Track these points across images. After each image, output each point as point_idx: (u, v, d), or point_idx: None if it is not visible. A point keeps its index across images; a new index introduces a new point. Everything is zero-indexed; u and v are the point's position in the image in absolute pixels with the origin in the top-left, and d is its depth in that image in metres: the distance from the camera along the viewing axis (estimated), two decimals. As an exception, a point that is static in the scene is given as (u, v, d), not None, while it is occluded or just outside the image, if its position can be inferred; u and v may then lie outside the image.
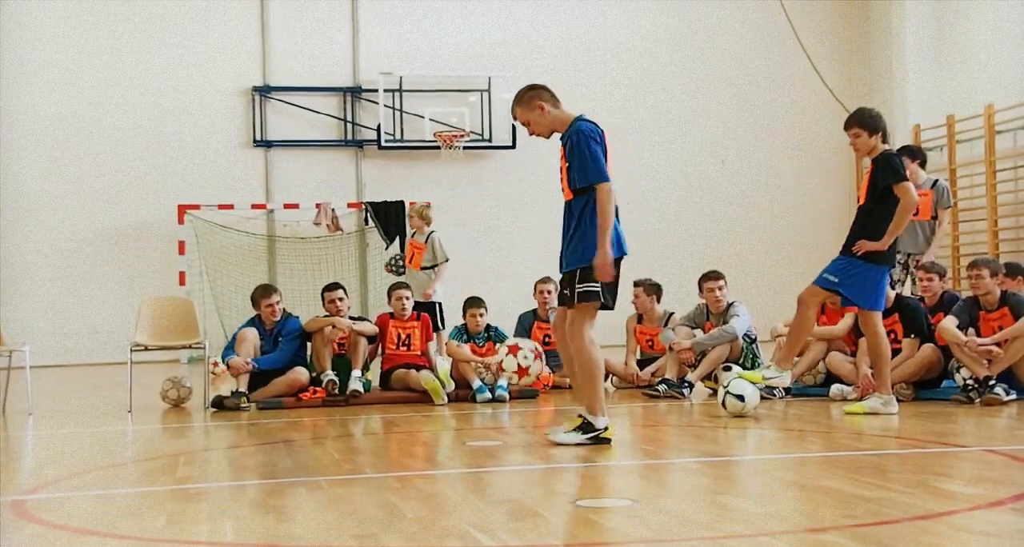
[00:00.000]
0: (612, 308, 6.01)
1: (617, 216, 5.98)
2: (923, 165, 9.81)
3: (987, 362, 7.45)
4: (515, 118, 6.32)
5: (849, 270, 6.98)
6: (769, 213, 17.45)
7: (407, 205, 16.03)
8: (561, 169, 6.05)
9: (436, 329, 10.24)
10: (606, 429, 5.89)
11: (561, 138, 6.12)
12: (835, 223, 16.72)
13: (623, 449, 6.36)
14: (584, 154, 5.95)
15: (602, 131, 6.07)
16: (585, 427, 5.90)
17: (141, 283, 15.32)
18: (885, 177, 6.97)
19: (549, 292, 9.65)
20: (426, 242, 11.38)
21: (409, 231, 11.96)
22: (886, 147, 7.15)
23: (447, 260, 11.33)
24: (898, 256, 9.54)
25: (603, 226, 5.83)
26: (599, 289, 5.85)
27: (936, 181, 9.85)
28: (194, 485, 5.13)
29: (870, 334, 7.16)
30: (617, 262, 5.93)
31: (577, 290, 5.87)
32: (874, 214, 7.00)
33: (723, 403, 7.17)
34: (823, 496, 4.45)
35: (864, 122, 7.15)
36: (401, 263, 11.70)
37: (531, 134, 6.34)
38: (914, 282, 9.25)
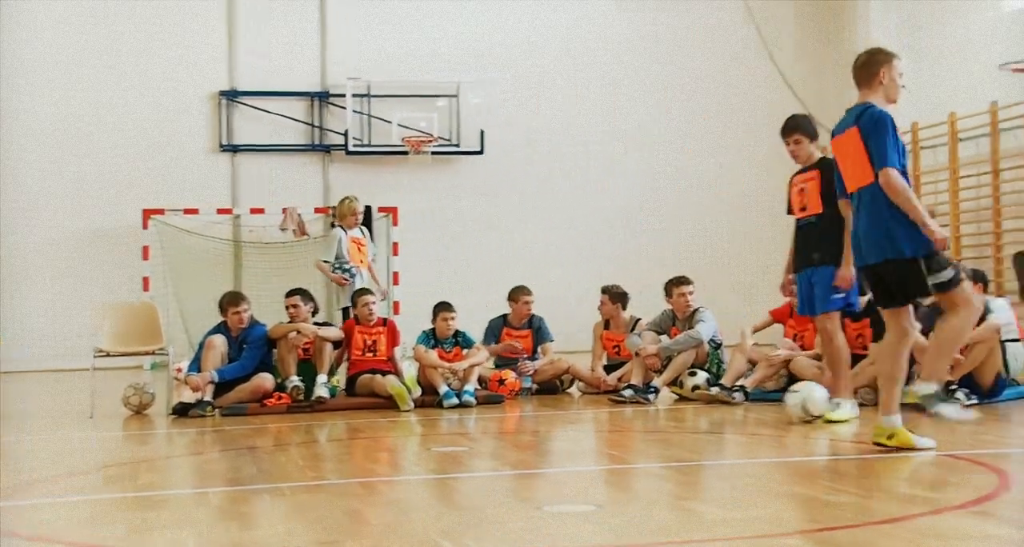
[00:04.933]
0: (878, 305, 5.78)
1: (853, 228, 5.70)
2: None
3: (949, 367, 7.49)
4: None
5: (829, 280, 6.93)
6: (734, 222, 17.52)
7: (374, 210, 16.00)
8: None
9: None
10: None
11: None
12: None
13: (588, 455, 6.37)
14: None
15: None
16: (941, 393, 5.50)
17: (104, 288, 15.17)
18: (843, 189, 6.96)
19: (528, 303, 9.67)
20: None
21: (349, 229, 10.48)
22: (819, 153, 7.17)
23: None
24: None
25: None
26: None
27: None
28: (156, 492, 5.09)
29: (834, 337, 7.18)
30: (860, 270, 5.78)
31: (933, 281, 5.39)
32: (834, 220, 6.90)
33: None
34: (786, 501, 4.47)
35: (805, 129, 7.15)
36: (349, 268, 10.28)
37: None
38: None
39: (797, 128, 7.18)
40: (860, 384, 7.84)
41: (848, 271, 6.77)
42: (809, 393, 6.92)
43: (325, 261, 10.24)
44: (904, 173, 5.44)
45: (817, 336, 8.35)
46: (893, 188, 5.37)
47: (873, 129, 5.48)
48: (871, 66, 5.65)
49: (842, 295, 6.93)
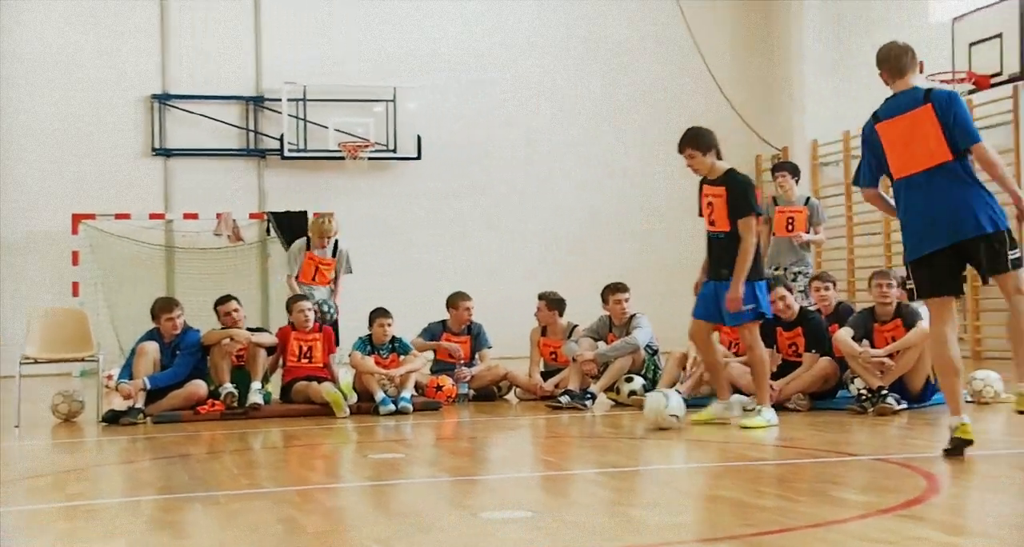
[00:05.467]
0: (952, 294, 5.57)
1: (909, 216, 5.59)
2: (797, 181, 10.17)
3: (880, 373, 7.64)
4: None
5: (747, 291, 7.02)
6: (672, 229, 17.67)
7: (310, 215, 15.87)
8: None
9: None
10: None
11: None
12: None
13: (525, 461, 6.37)
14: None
15: (870, 126, 5.72)
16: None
17: (32, 294, 14.89)
18: (738, 209, 7.03)
19: (469, 309, 9.66)
20: (334, 256, 10.19)
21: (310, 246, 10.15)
22: (727, 165, 7.22)
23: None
24: (768, 271, 9.87)
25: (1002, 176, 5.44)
26: (915, 287, 5.55)
27: (808, 198, 10.21)
28: (85, 502, 4.99)
29: (753, 345, 7.28)
30: (933, 258, 5.51)
31: (1010, 256, 5.36)
32: (730, 244, 7.05)
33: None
34: (722, 505, 4.52)
35: (697, 142, 7.15)
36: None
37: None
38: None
39: (688, 142, 7.19)
40: (794, 390, 7.96)
41: (737, 292, 6.90)
42: (667, 399, 7.04)
43: (289, 275, 10.14)
44: None
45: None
46: (991, 161, 5.44)
47: (957, 106, 5.50)
48: (909, 54, 5.72)
49: (752, 306, 7.04)
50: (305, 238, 10.17)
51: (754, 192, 7.23)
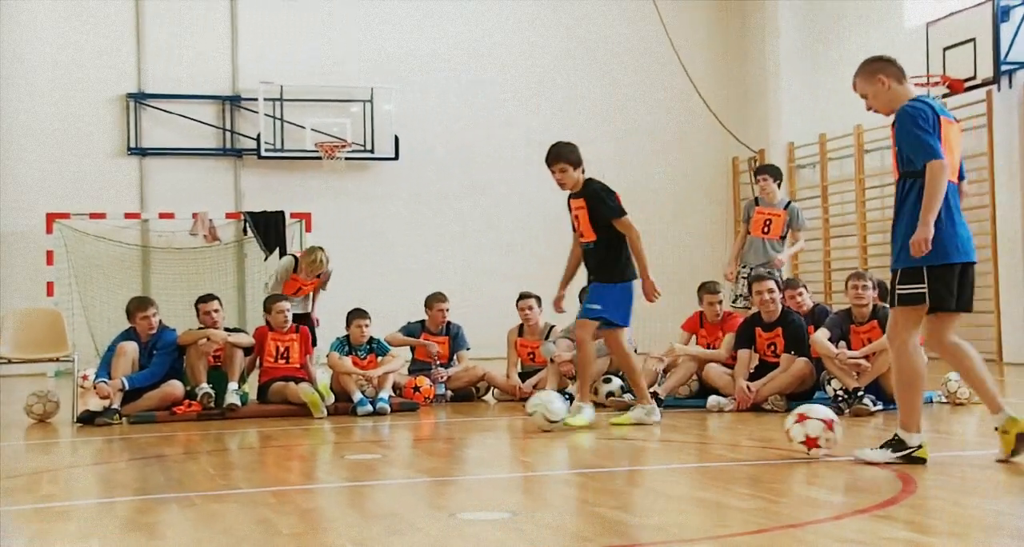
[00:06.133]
0: (968, 310, 5.35)
1: (953, 217, 5.25)
2: (779, 184, 10.24)
3: (856, 374, 7.68)
4: (855, 89, 5.55)
5: (605, 295, 7.27)
6: (649, 230, 17.69)
7: (287, 215, 15.82)
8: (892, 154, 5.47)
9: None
10: (920, 448, 5.26)
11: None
12: (715, 240, 17.11)
13: (502, 462, 6.38)
14: (907, 136, 5.22)
15: (936, 114, 5.27)
16: (896, 444, 5.29)
17: (6, 294, 14.76)
18: (610, 212, 7.22)
19: (444, 310, 9.66)
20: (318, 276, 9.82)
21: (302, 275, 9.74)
22: (588, 178, 7.34)
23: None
24: (741, 270, 9.98)
25: (928, 205, 5.09)
26: (924, 292, 5.20)
27: (789, 203, 10.28)
28: (59, 503, 4.96)
29: (617, 351, 7.44)
30: (966, 268, 5.28)
31: (897, 292, 5.26)
32: (611, 246, 7.25)
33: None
34: (697, 506, 4.53)
35: (568, 157, 7.27)
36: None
37: (868, 109, 5.56)
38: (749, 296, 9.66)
39: (559, 157, 7.29)
40: (771, 391, 8.01)
41: (649, 285, 7.19)
42: (548, 402, 7.15)
43: (267, 284, 10.07)
44: None
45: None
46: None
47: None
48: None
49: (598, 307, 7.22)
50: (292, 259, 9.86)
51: (613, 196, 7.35)
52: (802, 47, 16.60)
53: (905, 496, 4.51)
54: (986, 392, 5.35)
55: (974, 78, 12.74)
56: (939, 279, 5.20)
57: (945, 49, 13.11)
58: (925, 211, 5.10)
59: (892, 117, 5.35)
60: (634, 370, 7.48)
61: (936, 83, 13.12)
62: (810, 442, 5.52)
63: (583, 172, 7.36)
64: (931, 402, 8.18)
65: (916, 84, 13.36)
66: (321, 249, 9.59)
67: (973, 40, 12.74)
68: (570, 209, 7.50)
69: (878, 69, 5.42)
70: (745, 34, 17.75)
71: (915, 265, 5.19)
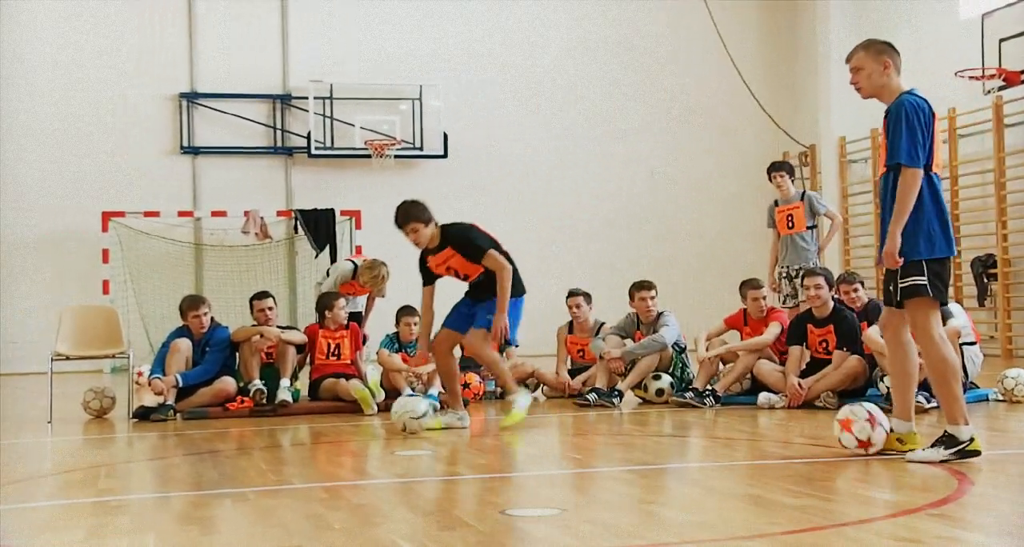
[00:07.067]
0: (946, 303, 5.38)
1: (945, 211, 5.31)
2: (792, 179, 10.25)
3: (909, 371, 7.58)
4: (849, 60, 5.58)
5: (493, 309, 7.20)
6: (700, 226, 17.63)
7: (337, 213, 15.93)
8: (881, 144, 5.48)
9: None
10: (972, 440, 5.18)
11: (885, 111, 5.44)
12: (765, 236, 16.94)
13: (552, 458, 6.38)
14: (899, 130, 5.25)
15: (931, 111, 5.35)
16: (948, 441, 5.19)
17: (63, 292, 15.01)
18: (477, 250, 7.13)
19: None
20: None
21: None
22: (442, 225, 7.25)
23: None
24: (780, 270, 9.94)
25: (899, 212, 5.17)
26: (925, 283, 5.18)
27: (804, 193, 10.24)
28: (115, 497, 5.03)
29: (486, 359, 7.46)
30: (945, 262, 5.31)
31: (900, 286, 5.24)
32: (492, 278, 7.20)
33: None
34: (749, 504, 4.50)
35: (419, 216, 7.10)
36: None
37: (852, 83, 5.57)
38: (796, 294, 9.61)
39: (409, 217, 7.15)
40: (823, 388, 7.94)
41: (502, 320, 7.13)
42: (405, 405, 7.11)
43: (319, 283, 10.10)
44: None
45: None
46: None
47: None
48: None
49: (490, 317, 7.17)
50: (353, 266, 9.71)
51: (475, 230, 7.29)
52: (853, 40, 16.29)
53: (960, 494, 4.45)
54: (909, 398, 5.50)
55: (1031, 70, 12.52)
56: (935, 272, 5.25)
57: (1001, 41, 12.90)
58: (895, 222, 5.19)
59: (895, 107, 5.33)
60: (500, 372, 7.49)
61: (992, 75, 12.92)
62: (863, 444, 5.49)
63: (436, 224, 7.21)
64: (987, 400, 8.07)
65: (971, 77, 13.21)
66: (384, 265, 9.36)
67: (1031, 31, 12.53)
68: (426, 266, 7.34)
69: (887, 53, 5.48)
70: (795, 28, 17.60)
71: (915, 258, 5.22)
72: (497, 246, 7.30)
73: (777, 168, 10.36)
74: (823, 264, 9.89)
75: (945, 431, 5.26)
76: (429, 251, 7.33)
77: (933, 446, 5.26)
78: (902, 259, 5.19)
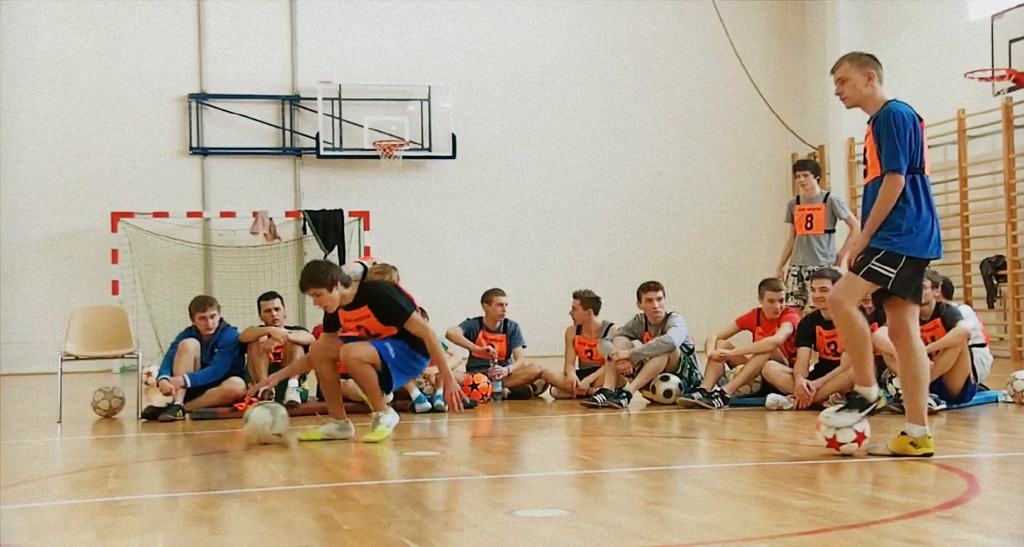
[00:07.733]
0: (920, 303, 5.62)
1: (935, 213, 5.50)
2: (818, 178, 10.23)
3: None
4: (834, 71, 5.79)
5: (402, 351, 6.95)
6: (708, 227, 17.62)
7: (345, 214, 15.96)
8: (865, 149, 5.63)
9: None
10: (879, 399, 5.57)
11: (869, 120, 5.67)
12: (774, 236, 16.95)
13: (559, 459, 6.38)
14: (891, 138, 5.45)
15: (918, 117, 5.58)
16: (859, 403, 5.53)
17: (72, 292, 15.05)
18: (400, 313, 6.85)
19: (503, 304, 9.68)
20: None
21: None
22: (363, 283, 7.04)
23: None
24: (791, 268, 9.94)
25: (879, 213, 5.40)
26: (891, 277, 5.37)
27: (827, 195, 10.23)
28: (125, 497, 5.04)
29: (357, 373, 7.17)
30: (925, 263, 5.52)
31: (871, 266, 5.40)
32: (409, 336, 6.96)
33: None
34: (756, 505, 4.50)
35: (322, 280, 6.73)
36: None
37: (838, 94, 5.80)
38: (805, 294, 9.61)
39: (312, 281, 6.76)
40: (832, 390, 7.93)
41: (453, 387, 6.92)
42: (255, 420, 6.88)
43: None
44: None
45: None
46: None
47: None
48: None
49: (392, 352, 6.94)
50: (363, 268, 9.44)
51: (397, 290, 7.04)
52: (861, 41, 16.37)
53: (969, 496, 4.44)
54: (921, 403, 5.58)
55: (1041, 71, 12.50)
56: (911, 269, 5.41)
57: (1011, 42, 12.87)
58: (872, 223, 5.40)
59: (883, 115, 5.52)
60: (371, 388, 7.06)
61: (1001, 76, 12.89)
62: (831, 444, 5.60)
63: (346, 285, 6.89)
64: (997, 402, 8.05)
65: (980, 79, 13.18)
66: (394, 268, 9.23)
67: (1041, 32, 12.50)
68: (336, 316, 6.97)
69: (871, 64, 5.67)
70: (803, 29, 17.58)
71: (897, 251, 5.39)
72: (415, 307, 7.03)
73: (803, 166, 10.36)
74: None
75: (856, 393, 5.53)
76: (343, 306, 6.97)
77: (846, 409, 5.52)
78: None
